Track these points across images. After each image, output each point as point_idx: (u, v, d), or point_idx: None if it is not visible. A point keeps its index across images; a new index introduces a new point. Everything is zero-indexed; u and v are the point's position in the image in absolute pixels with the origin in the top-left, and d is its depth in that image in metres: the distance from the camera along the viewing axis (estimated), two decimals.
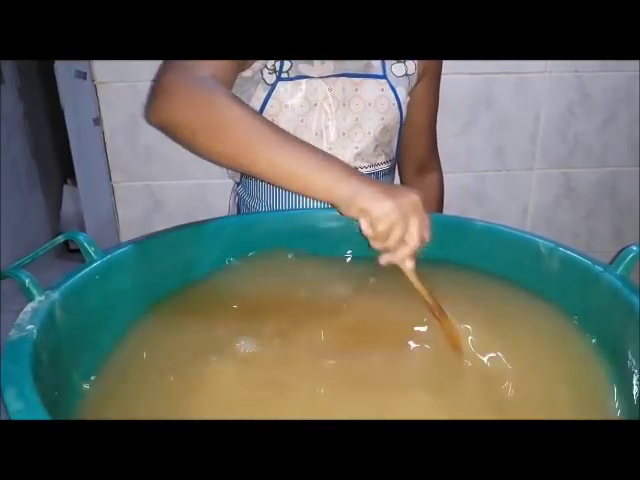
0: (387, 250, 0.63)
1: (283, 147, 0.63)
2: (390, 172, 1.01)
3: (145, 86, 1.22)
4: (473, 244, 0.77)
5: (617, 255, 0.62)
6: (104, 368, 0.57)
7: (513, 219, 1.39)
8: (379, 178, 0.96)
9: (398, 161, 1.08)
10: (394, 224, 0.60)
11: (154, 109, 0.68)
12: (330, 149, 0.90)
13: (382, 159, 0.96)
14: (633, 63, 1.28)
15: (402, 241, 0.61)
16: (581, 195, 1.41)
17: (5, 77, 2.35)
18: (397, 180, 1.11)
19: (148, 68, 1.21)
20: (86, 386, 0.54)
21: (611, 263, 0.62)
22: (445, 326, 0.62)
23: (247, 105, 0.66)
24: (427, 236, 0.63)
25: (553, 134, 1.34)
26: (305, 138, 0.87)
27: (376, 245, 0.63)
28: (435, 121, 1.06)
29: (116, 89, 1.22)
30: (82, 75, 1.72)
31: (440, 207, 1.10)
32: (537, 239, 0.70)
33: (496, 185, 1.37)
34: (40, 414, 0.39)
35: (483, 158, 1.34)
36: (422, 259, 0.79)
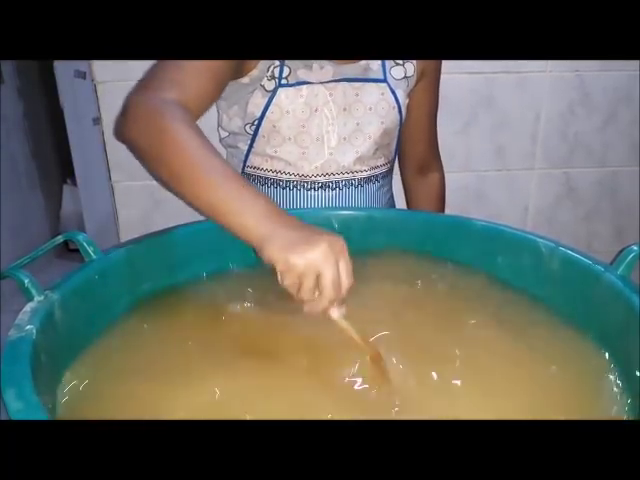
0: (304, 302, 0.56)
1: (211, 183, 0.60)
2: (389, 173, 1.01)
3: None
4: (473, 244, 0.77)
5: (618, 255, 0.62)
6: (103, 368, 0.57)
7: (513, 219, 1.39)
8: (378, 180, 0.97)
9: (399, 161, 1.08)
10: (301, 277, 0.54)
11: (119, 129, 0.71)
12: (331, 154, 0.91)
13: (381, 161, 0.97)
14: (633, 63, 1.28)
15: (317, 292, 0.55)
16: (581, 195, 1.41)
17: (5, 77, 2.35)
18: (398, 180, 1.11)
19: (148, 68, 1.21)
20: (86, 386, 0.54)
21: (612, 263, 0.62)
22: (376, 368, 0.58)
23: (197, 133, 0.63)
24: (347, 283, 0.56)
25: (553, 134, 1.34)
26: (306, 143, 0.89)
27: (294, 297, 0.57)
28: (435, 121, 1.06)
29: (116, 89, 1.22)
30: (82, 75, 1.72)
31: (442, 207, 1.10)
32: (538, 239, 0.70)
33: (496, 185, 1.37)
34: (39, 414, 0.39)
35: (483, 158, 1.34)
36: (423, 258, 0.80)
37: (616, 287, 0.59)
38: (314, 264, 0.54)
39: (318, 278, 0.54)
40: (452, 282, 0.75)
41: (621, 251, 0.62)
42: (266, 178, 0.94)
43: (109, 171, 1.28)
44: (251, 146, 0.92)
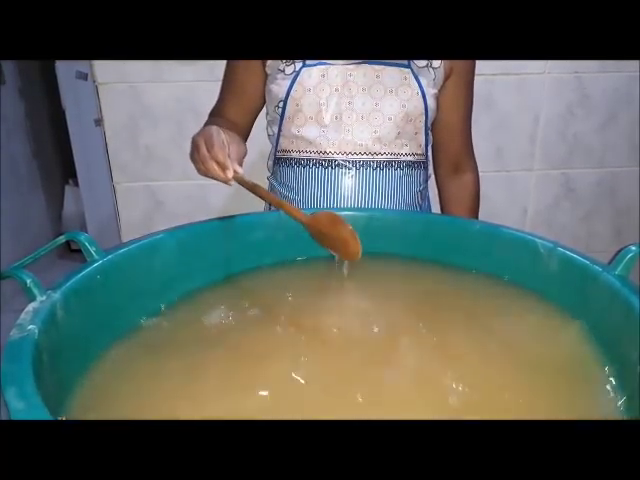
0: (205, 171, 0.77)
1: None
2: (419, 167, 1.00)
3: (145, 87, 1.22)
4: (473, 244, 0.77)
5: (616, 255, 0.62)
6: (105, 367, 0.58)
7: (512, 219, 1.39)
8: (401, 167, 0.97)
9: (433, 161, 1.08)
10: (192, 151, 0.80)
11: None
12: (348, 131, 0.93)
13: (406, 150, 0.96)
14: (633, 63, 1.28)
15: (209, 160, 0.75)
16: (580, 195, 1.41)
17: (6, 77, 2.35)
18: (433, 182, 1.10)
19: (148, 69, 1.21)
20: (87, 385, 0.54)
21: (610, 263, 0.62)
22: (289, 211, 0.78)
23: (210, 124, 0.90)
24: (212, 146, 0.75)
25: (552, 135, 1.34)
26: (326, 120, 0.93)
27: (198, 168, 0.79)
28: (469, 121, 1.05)
29: (117, 90, 1.22)
30: (83, 76, 1.72)
31: (475, 206, 1.08)
32: (536, 239, 0.70)
33: (496, 186, 1.37)
34: (41, 414, 0.40)
35: (483, 159, 1.33)
36: (421, 259, 0.80)
37: (614, 287, 0.59)
38: (197, 140, 0.78)
39: (200, 149, 0.76)
40: (449, 283, 0.76)
41: (619, 251, 0.62)
42: (291, 159, 0.97)
43: (110, 172, 1.29)
44: (280, 129, 0.97)
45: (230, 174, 0.74)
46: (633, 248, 0.61)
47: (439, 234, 0.80)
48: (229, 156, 0.75)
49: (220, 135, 0.77)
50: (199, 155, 0.76)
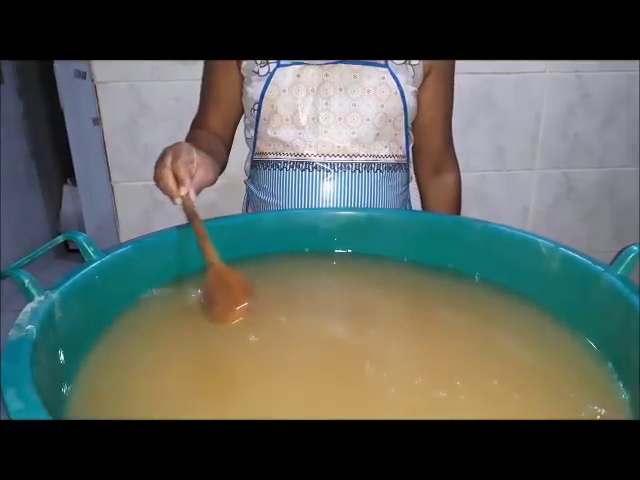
0: (158, 178, 0.74)
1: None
2: (399, 169, 0.99)
3: (145, 86, 1.22)
4: (473, 244, 0.77)
5: (618, 255, 0.62)
6: (104, 367, 0.57)
7: (513, 219, 1.39)
8: (380, 170, 0.96)
9: (414, 162, 1.07)
10: (156, 167, 0.75)
11: None
12: (326, 132, 0.92)
13: (385, 152, 0.95)
14: (633, 63, 1.28)
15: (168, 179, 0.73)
16: (581, 195, 1.41)
17: (5, 77, 2.35)
18: (413, 182, 1.11)
19: (148, 68, 1.21)
20: (86, 386, 0.54)
21: (612, 263, 0.62)
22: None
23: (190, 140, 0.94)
24: (176, 158, 0.73)
25: (553, 134, 1.34)
26: (302, 122, 0.91)
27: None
28: (449, 120, 1.05)
29: (116, 89, 1.22)
30: (82, 75, 1.72)
31: (457, 207, 1.08)
32: (537, 239, 0.70)
33: (496, 185, 1.37)
34: (40, 414, 0.39)
35: (483, 158, 1.34)
36: (422, 262, 0.80)
37: (616, 287, 0.59)
38: (163, 150, 0.76)
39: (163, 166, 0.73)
40: (448, 284, 0.76)
41: (621, 251, 0.62)
42: (268, 161, 0.96)
43: (109, 171, 1.28)
44: (256, 131, 0.95)
45: (183, 192, 0.72)
46: (635, 248, 0.61)
47: (439, 234, 0.80)
48: (191, 178, 0.72)
49: (191, 154, 0.75)
50: (161, 162, 0.74)
